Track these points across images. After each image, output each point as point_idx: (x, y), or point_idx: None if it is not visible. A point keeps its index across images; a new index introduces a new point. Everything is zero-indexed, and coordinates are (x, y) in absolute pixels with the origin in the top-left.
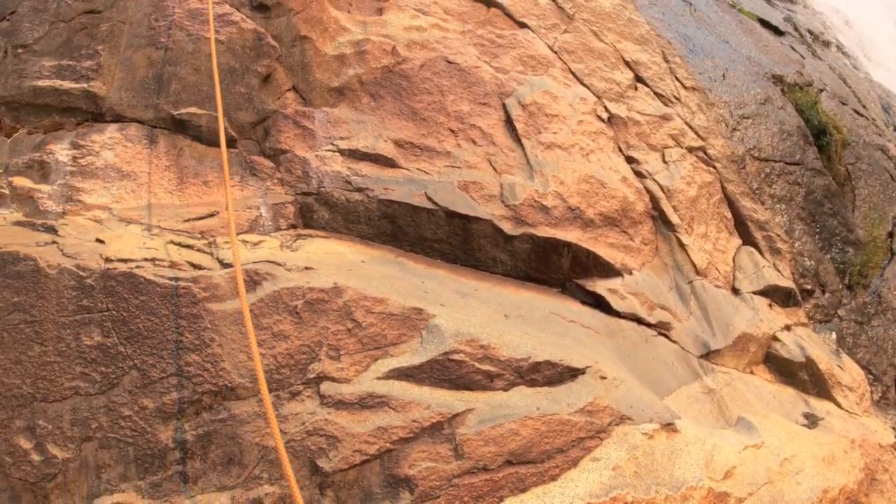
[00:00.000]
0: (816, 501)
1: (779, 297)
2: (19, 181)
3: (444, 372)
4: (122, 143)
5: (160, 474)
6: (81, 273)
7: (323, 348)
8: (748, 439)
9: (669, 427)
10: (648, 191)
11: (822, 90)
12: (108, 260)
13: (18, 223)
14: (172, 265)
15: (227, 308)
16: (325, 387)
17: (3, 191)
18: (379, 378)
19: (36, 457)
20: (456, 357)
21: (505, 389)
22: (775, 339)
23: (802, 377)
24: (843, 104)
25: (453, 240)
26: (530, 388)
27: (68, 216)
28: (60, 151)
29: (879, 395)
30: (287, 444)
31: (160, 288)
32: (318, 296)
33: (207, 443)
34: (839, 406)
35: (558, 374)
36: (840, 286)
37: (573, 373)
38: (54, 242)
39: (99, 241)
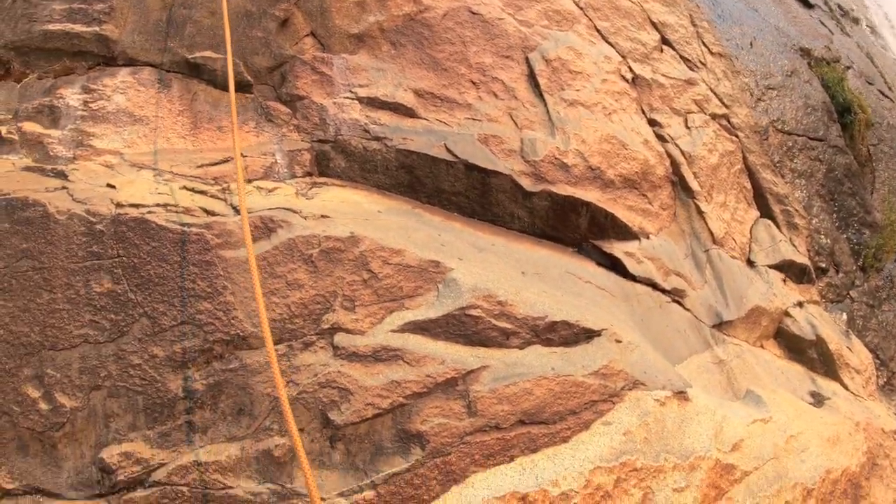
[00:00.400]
0: (819, 481)
1: (793, 272)
2: (29, 126)
3: (460, 327)
4: (135, 88)
5: (169, 424)
6: (91, 219)
7: (338, 299)
8: (756, 413)
9: (681, 395)
10: (669, 155)
11: (848, 67)
12: (118, 205)
13: (28, 168)
14: (185, 211)
15: (241, 255)
16: (339, 338)
17: (13, 136)
18: (394, 331)
19: (44, 406)
20: (472, 312)
21: (520, 348)
22: (787, 314)
23: (811, 355)
24: (870, 84)
25: (471, 193)
26: (545, 348)
27: (79, 161)
28: (71, 96)
29: (885, 380)
30: (298, 395)
31: (172, 234)
32: (334, 245)
33: (218, 392)
34: (845, 387)
35: (574, 335)
36: (854, 267)
37: (589, 334)
38: (64, 188)
39: (110, 186)
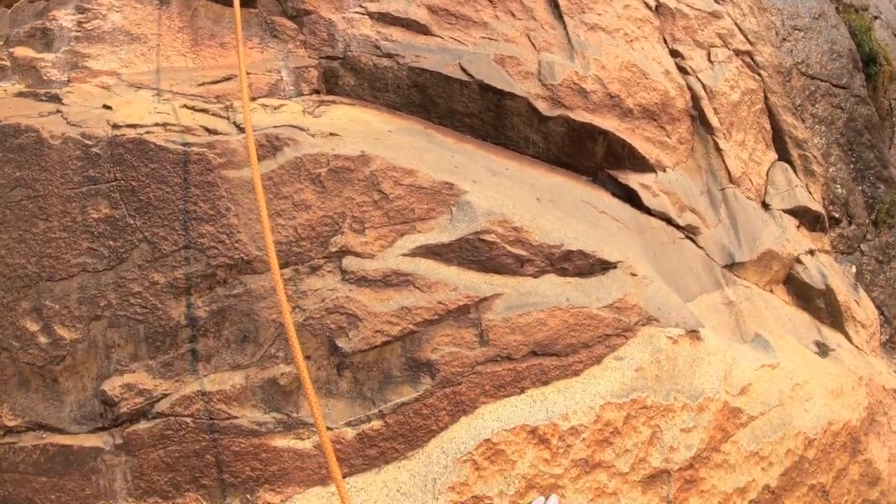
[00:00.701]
0: (821, 432)
1: (807, 219)
2: (21, 51)
3: (474, 253)
4: (131, 5)
5: (172, 353)
6: (87, 142)
7: (347, 220)
8: (765, 358)
9: (694, 334)
10: (690, 88)
11: (876, 17)
12: (115, 126)
13: (20, 94)
14: (186, 130)
15: (245, 175)
16: (348, 262)
17: (4, 63)
18: (404, 255)
19: (43, 339)
20: (487, 238)
21: (534, 276)
22: (798, 261)
23: (819, 305)
24: None
25: (485, 115)
26: (560, 278)
27: (74, 84)
28: (64, 17)
29: (887, 337)
30: (305, 321)
31: (172, 154)
32: (343, 164)
33: (221, 319)
34: (850, 340)
35: (589, 266)
36: (867, 221)
37: (604, 266)
38: (58, 112)
39: (106, 107)
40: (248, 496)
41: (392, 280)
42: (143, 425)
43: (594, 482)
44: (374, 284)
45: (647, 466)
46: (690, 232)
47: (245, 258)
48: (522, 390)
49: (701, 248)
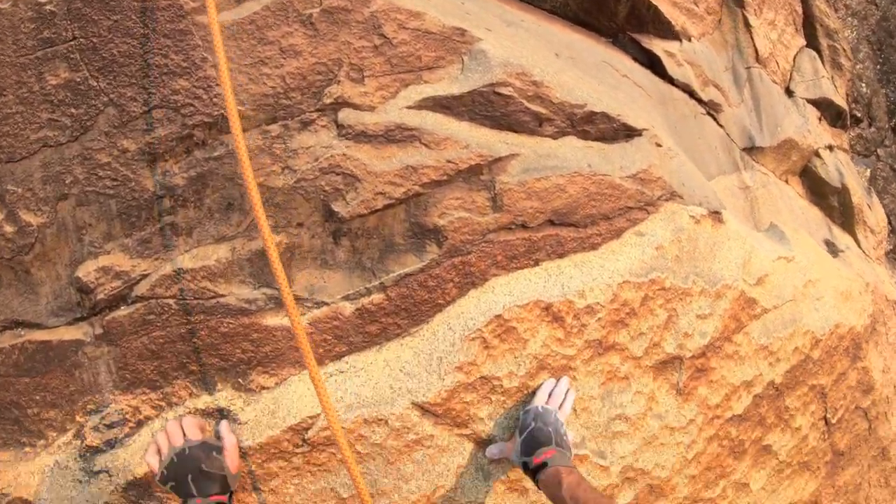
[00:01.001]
0: (827, 333)
1: (830, 113)
2: None
3: (488, 107)
4: None
5: (149, 228)
6: (39, 0)
7: (343, 68)
8: (781, 249)
9: (716, 216)
10: None
11: None
12: None
13: None
14: None
15: (224, 20)
16: (345, 115)
17: None
18: (409, 107)
19: (9, 228)
20: (503, 91)
21: (554, 137)
22: (817, 155)
23: (832, 203)
24: None
25: None
26: (581, 141)
27: None
28: None
29: (892, 246)
30: (296, 184)
31: (137, 2)
32: (338, 3)
33: (201, 187)
34: (858, 244)
35: (613, 131)
36: (886, 125)
37: (629, 132)
38: None
39: None
40: (241, 380)
41: (395, 135)
42: (122, 312)
43: (607, 365)
44: (374, 140)
45: (660, 352)
46: (712, 108)
47: (225, 115)
48: (537, 262)
49: (721, 126)
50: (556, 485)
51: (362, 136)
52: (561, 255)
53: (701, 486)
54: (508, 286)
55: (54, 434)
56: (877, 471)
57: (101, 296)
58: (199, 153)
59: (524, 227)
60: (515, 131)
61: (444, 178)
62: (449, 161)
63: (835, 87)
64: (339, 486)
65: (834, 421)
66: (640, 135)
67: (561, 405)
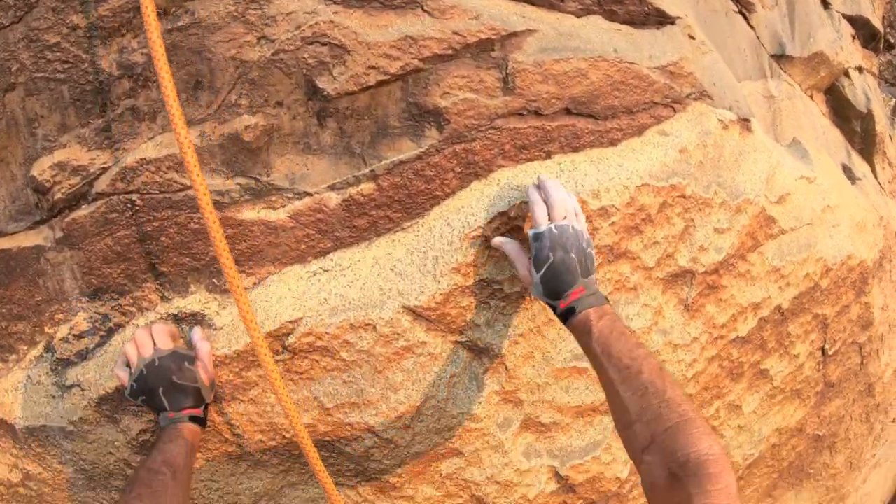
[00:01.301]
0: (839, 263)
1: (864, 33)
2: None
3: None
4: None
5: (108, 115)
6: None
7: None
8: (804, 168)
9: (745, 123)
10: None
11: None
12: None
13: None
14: None
15: None
16: None
17: None
18: None
19: None
20: None
21: (577, 14)
22: (846, 74)
23: (855, 127)
24: None
25: None
26: (607, 22)
27: None
28: None
29: None
30: (274, 56)
31: None
32: None
33: None
34: (875, 175)
35: (644, 15)
36: None
37: (661, 18)
38: None
39: None
40: (215, 281)
41: (392, 0)
42: (83, 211)
43: (616, 274)
44: (367, 5)
45: (672, 264)
46: (745, 7)
47: None
48: (549, 155)
49: (752, 28)
50: (586, 333)
51: (353, 0)
52: (576, 149)
53: (696, 405)
54: (515, 179)
55: (25, 348)
56: (860, 405)
57: (58, 195)
58: (161, 24)
59: (537, 114)
60: (534, 4)
61: (449, 52)
62: (455, 33)
63: (873, 7)
64: (323, 395)
65: (831, 353)
66: (672, 23)
67: (567, 215)
